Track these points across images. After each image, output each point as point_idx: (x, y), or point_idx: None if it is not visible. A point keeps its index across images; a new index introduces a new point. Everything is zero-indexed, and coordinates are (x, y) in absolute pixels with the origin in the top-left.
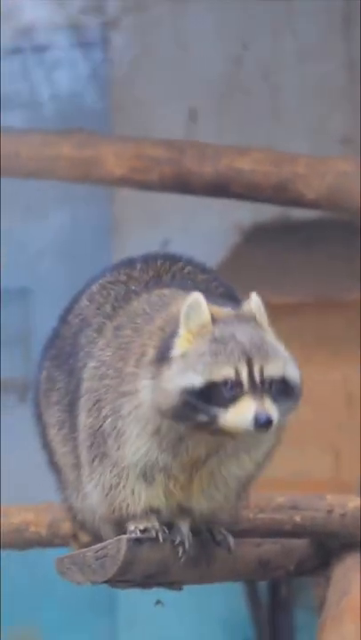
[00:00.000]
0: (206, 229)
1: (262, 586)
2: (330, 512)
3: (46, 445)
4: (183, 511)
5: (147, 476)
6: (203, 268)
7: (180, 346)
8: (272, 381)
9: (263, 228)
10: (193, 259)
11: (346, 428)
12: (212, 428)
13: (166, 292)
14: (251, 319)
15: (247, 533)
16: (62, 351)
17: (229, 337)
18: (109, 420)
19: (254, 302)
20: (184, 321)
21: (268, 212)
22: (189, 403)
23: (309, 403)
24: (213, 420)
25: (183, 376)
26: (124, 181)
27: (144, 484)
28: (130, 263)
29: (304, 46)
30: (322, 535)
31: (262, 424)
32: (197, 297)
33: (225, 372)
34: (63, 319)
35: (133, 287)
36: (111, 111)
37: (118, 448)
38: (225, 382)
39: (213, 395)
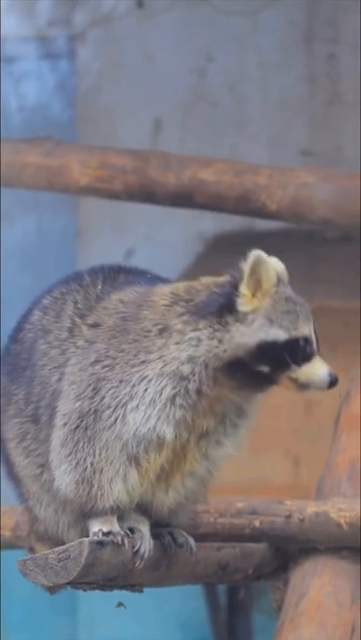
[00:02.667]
0: (170, 239)
1: (221, 589)
2: (288, 517)
3: (5, 458)
4: (144, 513)
5: (134, 459)
6: (148, 273)
7: (246, 304)
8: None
9: (227, 238)
10: (136, 266)
11: (304, 435)
12: (266, 380)
13: (138, 288)
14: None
15: (207, 537)
16: (16, 366)
17: (295, 298)
18: (111, 392)
19: (276, 260)
20: (249, 279)
21: (232, 223)
22: (263, 355)
23: (268, 409)
24: (282, 372)
25: (268, 329)
26: (89, 190)
27: (128, 469)
28: (77, 276)
29: (267, 60)
30: (280, 540)
31: (334, 382)
32: (260, 253)
33: (305, 331)
34: (13, 338)
35: (98, 288)
36: (77, 121)
37: (116, 421)
38: (304, 340)
39: (291, 349)
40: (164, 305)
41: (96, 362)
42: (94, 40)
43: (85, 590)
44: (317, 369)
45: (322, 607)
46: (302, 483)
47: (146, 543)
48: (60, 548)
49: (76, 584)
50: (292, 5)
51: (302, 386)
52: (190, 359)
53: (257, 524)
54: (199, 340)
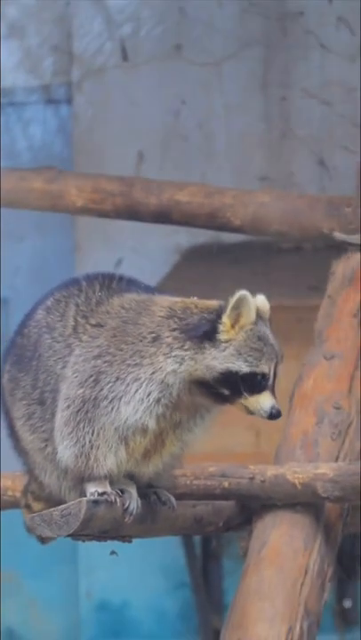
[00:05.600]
0: (152, 250)
1: (197, 539)
2: (252, 479)
3: (13, 434)
4: (131, 478)
5: (124, 439)
6: (135, 280)
7: (224, 333)
8: (275, 375)
9: (199, 249)
10: (124, 274)
11: None
12: (224, 400)
13: (135, 296)
14: (265, 319)
15: (185, 496)
16: (23, 357)
17: (267, 337)
18: (109, 386)
19: (263, 300)
20: (231, 312)
21: (203, 236)
22: (225, 380)
23: None
24: (237, 397)
25: (234, 360)
26: (84, 211)
27: (119, 446)
28: (75, 281)
29: (230, 102)
30: (245, 498)
31: (275, 415)
32: (246, 294)
33: (264, 368)
34: (19, 333)
35: (97, 294)
36: (74, 154)
37: (112, 410)
38: (261, 375)
39: (248, 381)
40: (160, 316)
41: (98, 356)
42: (88, 88)
43: (84, 541)
44: (263, 402)
45: (280, 553)
46: (263, 451)
47: (134, 502)
48: (63, 506)
49: (76, 536)
50: (250, 57)
51: (249, 412)
52: (174, 372)
53: (226, 484)
54: (183, 359)
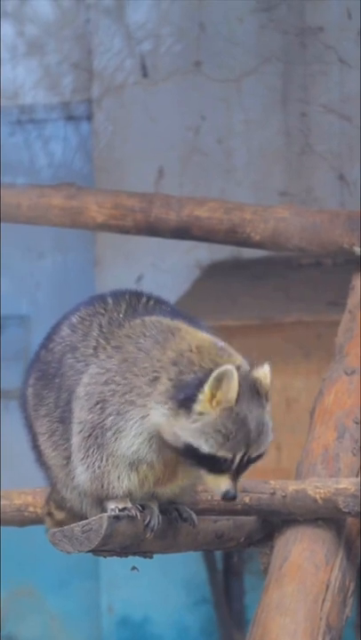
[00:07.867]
0: (172, 266)
1: (218, 555)
2: (273, 494)
3: (36, 448)
4: (153, 496)
5: (134, 465)
6: (161, 300)
7: (202, 403)
8: (251, 461)
9: (219, 265)
10: (152, 293)
11: (286, 426)
12: (191, 465)
13: (161, 319)
14: (262, 395)
15: (206, 512)
16: (47, 373)
17: (242, 422)
18: (111, 418)
19: (265, 372)
20: (213, 383)
21: (223, 252)
22: (188, 453)
23: None
24: (199, 468)
25: (196, 437)
26: (105, 227)
27: (130, 472)
28: (102, 299)
29: (250, 118)
30: (267, 513)
31: (228, 499)
32: (231, 369)
33: (225, 454)
34: (45, 347)
35: (121, 315)
36: (95, 171)
37: (115, 440)
38: (222, 459)
39: (208, 459)
40: (168, 357)
41: (105, 383)
42: (108, 104)
43: (105, 557)
44: (219, 484)
45: (301, 568)
46: (284, 466)
47: (155, 517)
48: (84, 521)
49: (97, 552)
50: (270, 73)
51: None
52: (157, 424)
53: (247, 500)
54: (164, 415)
